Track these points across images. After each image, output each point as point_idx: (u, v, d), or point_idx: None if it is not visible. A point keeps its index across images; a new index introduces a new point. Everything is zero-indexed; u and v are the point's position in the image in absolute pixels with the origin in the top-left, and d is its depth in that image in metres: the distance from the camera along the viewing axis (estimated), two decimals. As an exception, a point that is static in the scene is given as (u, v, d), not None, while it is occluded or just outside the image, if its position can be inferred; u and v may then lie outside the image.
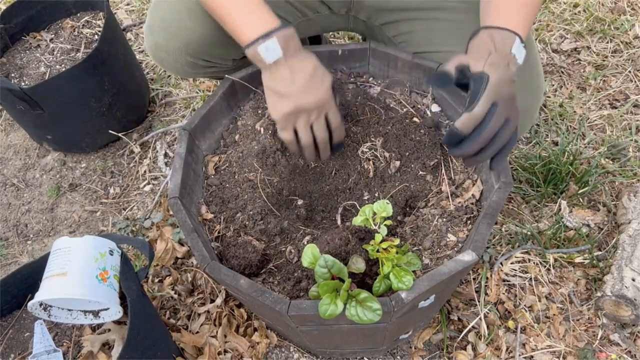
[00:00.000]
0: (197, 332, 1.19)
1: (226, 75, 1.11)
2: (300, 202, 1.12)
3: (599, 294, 1.17)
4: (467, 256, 0.80)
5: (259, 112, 1.13)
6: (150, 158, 1.61)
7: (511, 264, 1.27)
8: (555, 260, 1.27)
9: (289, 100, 0.89)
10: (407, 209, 1.05)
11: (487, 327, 1.18)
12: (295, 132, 0.94)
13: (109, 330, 0.97)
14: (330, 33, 1.90)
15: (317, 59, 0.91)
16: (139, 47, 1.96)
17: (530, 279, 1.25)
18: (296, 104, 0.89)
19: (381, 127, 1.11)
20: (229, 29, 0.92)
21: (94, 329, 0.99)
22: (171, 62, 1.11)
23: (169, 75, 1.83)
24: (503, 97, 0.78)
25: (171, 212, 1.42)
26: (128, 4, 2.15)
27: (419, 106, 1.12)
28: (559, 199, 1.36)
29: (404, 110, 1.11)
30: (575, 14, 1.92)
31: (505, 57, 0.82)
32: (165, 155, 1.61)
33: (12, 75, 1.50)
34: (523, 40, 0.84)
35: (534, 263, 1.27)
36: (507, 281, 1.26)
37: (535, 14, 0.90)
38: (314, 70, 0.89)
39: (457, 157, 0.90)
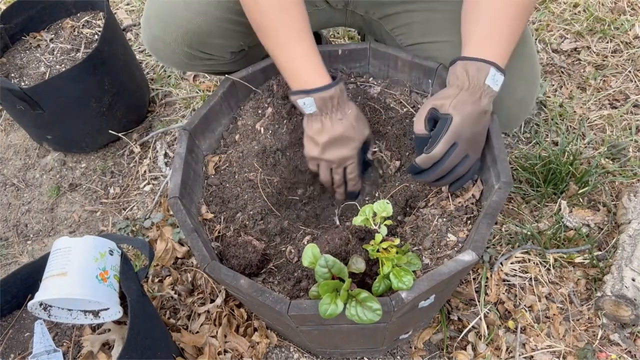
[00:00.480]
0: (197, 332, 1.19)
1: (226, 75, 1.11)
2: (300, 202, 1.12)
3: (599, 294, 1.17)
4: (467, 256, 0.80)
5: (259, 112, 1.13)
6: (150, 158, 1.61)
7: (511, 264, 1.27)
8: (555, 260, 1.27)
9: (315, 149, 1.01)
10: (407, 208, 1.05)
11: (487, 327, 1.18)
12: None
13: (109, 330, 0.97)
14: (331, 33, 1.90)
15: (354, 118, 0.99)
16: (139, 47, 1.96)
17: (530, 279, 1.25)
18: (320, 155, 1.01)
19: (381, 127, 1.11)
20: (276, 63, 0.99)
21: (94, 329, 0.99)
22: (168, 53, 1.11)
23: (169, 75, 1.83)
24: (464, 136, 0.87)
25: (171, 212, 1.42)
26: (128, 4, 2.15)
27: (419, 106, 1.12)
28: (559, 199, 1.36)
29: (404, 110, 1.11)
30: (575, 14, 1.92)
31: (477, 90, 0.88)
32: (165, 155, 1.61)
33: (12, 75, 1.50)
34: (501, 66, 0.90)
35: (534, 263, 1.27)
36: (507, 281, 1.26)
37: (519, 32, 0.94)
38: (342, 132, 0.98)
39: (417, 181, 1.02)
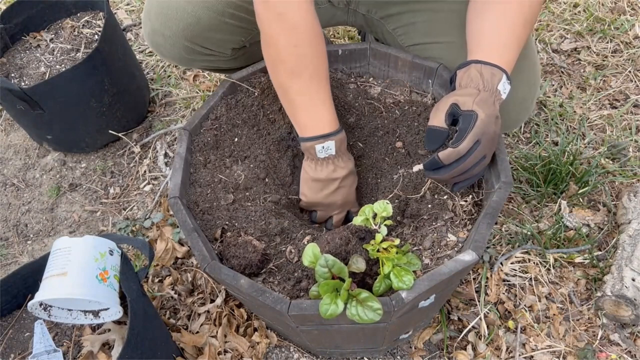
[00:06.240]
0: (197, 332, 1.19)
1: (225, 77, 1.11)
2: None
3: (599, 294, 1.17)
4: (468, 256, 0.80)
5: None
6: (150, 158, 1.61)
7: (511, 264, 1.27)
8: (555, 260, 1.27)
9: (322, 192, 1.03)
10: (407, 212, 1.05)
11: (487, 327, 1.18)
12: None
13: (109, 330, 0.97)
14: (331, 33, 1.90)
15: (353, 163, 1.07)
16: (139, 47, 1.95)
17: (530, 279, 1.25)
18: (327, 199, 1.04)
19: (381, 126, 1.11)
20: (293, 112, 0.99)
21: (94, 329, 0.99)
22: (168, 47, 1.11)
23: (169, 75, 1.83)
24: (487, 135, 0.86)
25: (171, 212, 1.42)
26: (128, 4, 2.15)
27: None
28: (559, 199, 1.36)
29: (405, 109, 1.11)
30: (575, 14, 1.92)
31: (491, 94, 0.88)
32: (165, 155, 1.61)
33: (12, 75, 1.50)
34: (509, 73, 0.91)
35: (534, 263, 1.27)
36: (507, 281, 1.26)
37: (525, 40, 0.95)
38: (350, 173, 1.04)
39: (430, 178, 0.99)
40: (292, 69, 0.93)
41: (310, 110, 0.97)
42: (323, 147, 0.97)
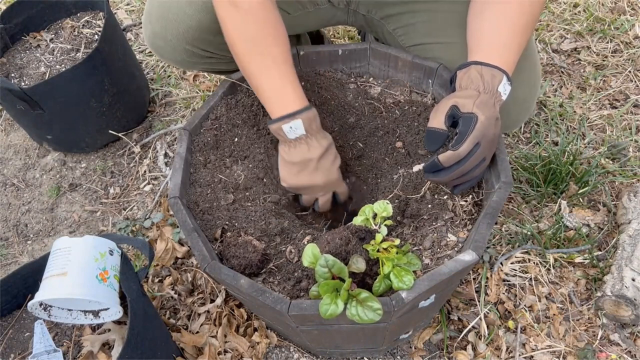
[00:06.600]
0: (197, 332, 1.19)
1: (225, 77, 1.11)
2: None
3: (599, 294, 1.17)
4: (468, 256, 0.80)
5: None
6: (150, 158, 1.61)
7: (511, 264, 1.27)
8: (555, 260, 1.27)
9: (300, 175, 0.99)
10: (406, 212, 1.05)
11: (487, 327, 1.18)
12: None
13: (109, 330, 0.97)
14: (330, 33, 1.90)
15: (331, 140, 1.01)
16: (139, 47, 1.95)
17: (530, 279, 1.25)
18: (307, 181, 1.00)
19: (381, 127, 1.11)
20: (260, 97, 0.98)
21: (94, 329, 0.99)
22: (169, 50, 1.11)
23: (169, 75, 1.83)
24: (487, 138, 0.85)
25: (171, 212, 1.42)
26: (128, 4, 2.15)
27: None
28: (559, 199, 1.36)
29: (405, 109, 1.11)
30: (575, 14, 1.92)
31: (492, 96, 0.88)
32: (165, 155, 1.61)
33: (12, 75, 1.50)
34: (510, 75, 0.90)
35: (534, 263, 1.27)
36: (507, 281, 1.26)
37: (526, 41, 0.94)
38: (327, 150, 0.99)
39: (429, 180, 0.98)
40: (248, 52, 0.94)
41: (272, 91, 0.95)
42: (291, 127, 0.93)
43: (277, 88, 0.95)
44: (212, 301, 1.25)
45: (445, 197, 0.97)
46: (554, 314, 1.20)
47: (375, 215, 0.90)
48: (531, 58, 1.05)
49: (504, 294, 1.23)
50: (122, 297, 0.92)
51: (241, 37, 0.94)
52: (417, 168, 0.97)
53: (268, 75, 0.94)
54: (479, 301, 1.21)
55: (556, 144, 1.52)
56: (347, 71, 1.18)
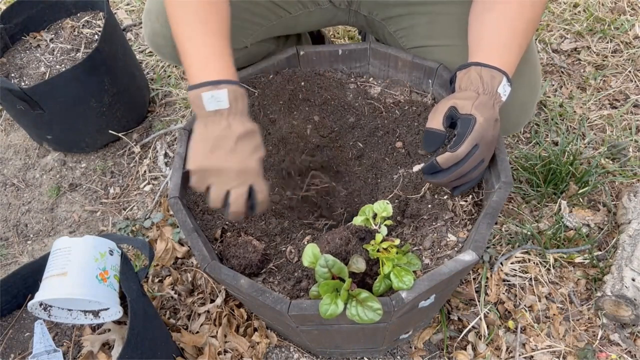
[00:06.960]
0: (197, 332, 1.19)
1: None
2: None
3: (599, 294, 1.17)
4: (468, 256, 0.80)
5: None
6: (150, 158, 1.61)
7: (511, 264, 1.27)
8: (555, 260, 1.27)
9: (213, 155, 0.84)
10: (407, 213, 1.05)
11: (487, 327, 1.18)
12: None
13: (109, 330, 0.97)
14: (331, 33, 1.90)
15: (258, 130, 0.88)
16: (139, 47, 1.95)
17: (530, 279, 1.25)
18: (219, 162, 0.84)
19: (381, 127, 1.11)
20: (183, 60, 0.88)
21: (94, 329, 0.99)
22: (169, 48, 1.10)
23: (169, 75, 1.83)
24: (485, 139, 0.85)
25: (171, 212, 1.42)
26: (128, 4, 2.15)
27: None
28: (559, 199, 1.36)
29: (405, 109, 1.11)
30: (575, 14, 1.92)
31: (491, 97, 0.88)
32: (165, 155, 1.61)
33: (12, 75, 1.50)
34: (510, 76, 0.90)
35: (534, 263, 1.27)
36: (507, 281, 1.26)
37: (527, 43, 0.94)
38: (250, 135, 0.85)
39: (428, 182, 0.98)
40: (181, 18, 0.88)
41: (196, 56, 0.86)
42: (212, 96, 0.82)
43: (204, 55, 0.86)
44: (212, 301, 1.25)
45: (445, 197, 0.97)
46: (554, 314, 1.20)
47: (375, 215, 0.90)
48: (531, 61, 1.05)
49: (504, 294, 1.23)
50: (122, 297, 0.92)
51: (180, 1, 0.87)
52: (417, 168, 0.97)
53: (197, 41, 0.86)
54: (479, 301, 1.21)
55: (556, 144, 1.52)
56: (347, 71, 1.18)
